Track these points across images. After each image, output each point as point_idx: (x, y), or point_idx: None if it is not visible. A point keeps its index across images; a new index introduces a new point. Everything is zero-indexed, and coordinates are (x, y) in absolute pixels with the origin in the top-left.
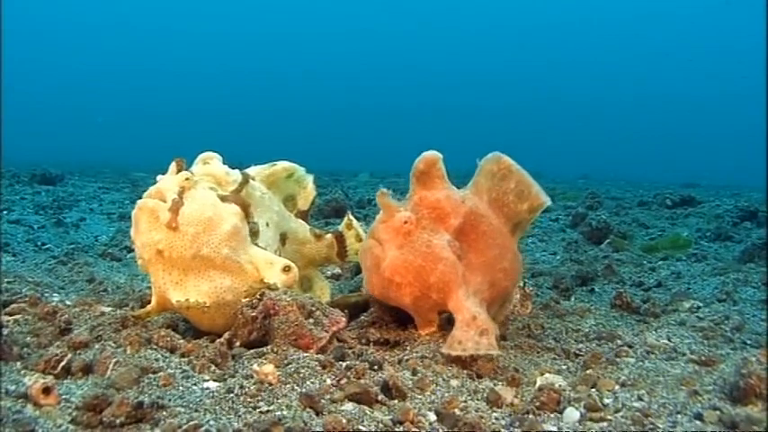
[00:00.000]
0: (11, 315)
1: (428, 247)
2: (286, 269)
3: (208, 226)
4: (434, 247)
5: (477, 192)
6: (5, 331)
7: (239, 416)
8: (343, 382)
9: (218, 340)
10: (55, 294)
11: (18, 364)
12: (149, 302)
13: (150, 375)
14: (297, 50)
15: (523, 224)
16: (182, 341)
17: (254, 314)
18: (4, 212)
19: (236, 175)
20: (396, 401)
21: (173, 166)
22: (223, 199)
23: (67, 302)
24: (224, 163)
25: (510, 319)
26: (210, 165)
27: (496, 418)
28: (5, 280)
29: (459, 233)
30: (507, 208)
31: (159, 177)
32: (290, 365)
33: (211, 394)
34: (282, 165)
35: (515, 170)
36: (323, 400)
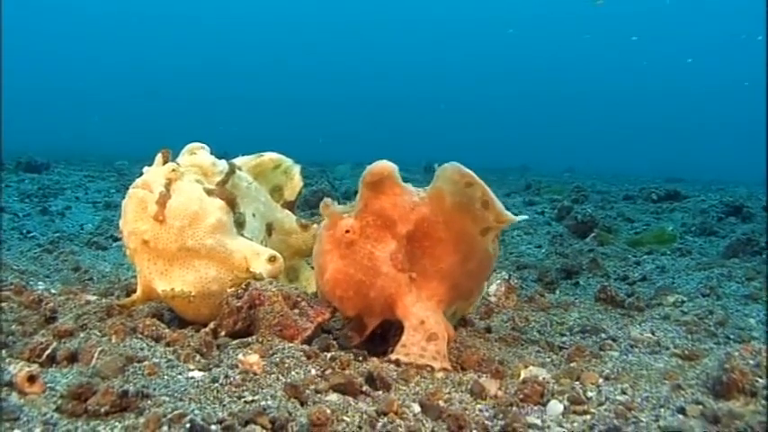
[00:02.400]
0: None
1: (369, 260)
2: (272, 259)
3: (193, 220)
4: (376, 260)
5: (437, 196)
6: None
7: (224, 405)
8: (327, 372)
9: (203, 330)
10: (40, 283)
11: (3, 352)
12: (135, 291)
13: (135, 364)
14: (283, 41)
15: (493, 231)
16: (167, 330)
17: (239, 304)
18: None
19: (222, 165)
20: (380, 392)
21: (159, 158)
22: (209, 192)
23: (53, 291)
24: (211, 153)
25: (495, 311)
26: (197, 155)
27: (480, 410)
28: None
29: (409, 240)
30: (473, 214)
31: (145, 169)
32: (274, 356)
33: (196, 384)
34: (270, 156)
35: (479, 182)
36: (307, 391)
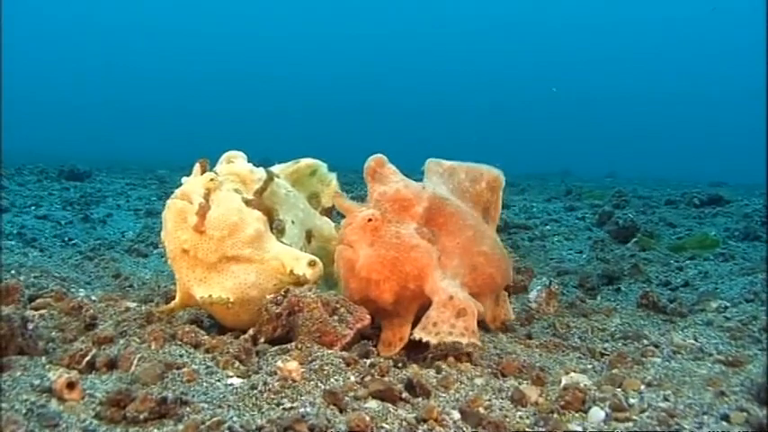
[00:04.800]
0: (37, 310)
1: (398, 238)
2: (311, 264)
3: (233, 230)
4: (404, 237)
5: (434, 185)
6: (31, 326)
7: (263, 412)
8: (367, 379)
9: (242, 336)
10: (81, 290)
11: (43, 358)
12: (174, 298)
13: (174, 371)
14: (323, 49)
15: (492, 211)
16: (206, 337)
17: (278, 311)
18: (32, 208)
19: (260, 173)
20: (420, 399)
21: (197, 168)
22: (247, 203)
23: (93, 298)
24: (248, 161)
25: (535, 317)
26: (235, 163)
27: (521, 417)
28: (32, 275)
29: (426, 219)
30: (469, 193)
31: (184, 179)
32: (313, 362)
33: (235, 390)
34: (306, 162)
35: (458, 165)
36: (347, 398)
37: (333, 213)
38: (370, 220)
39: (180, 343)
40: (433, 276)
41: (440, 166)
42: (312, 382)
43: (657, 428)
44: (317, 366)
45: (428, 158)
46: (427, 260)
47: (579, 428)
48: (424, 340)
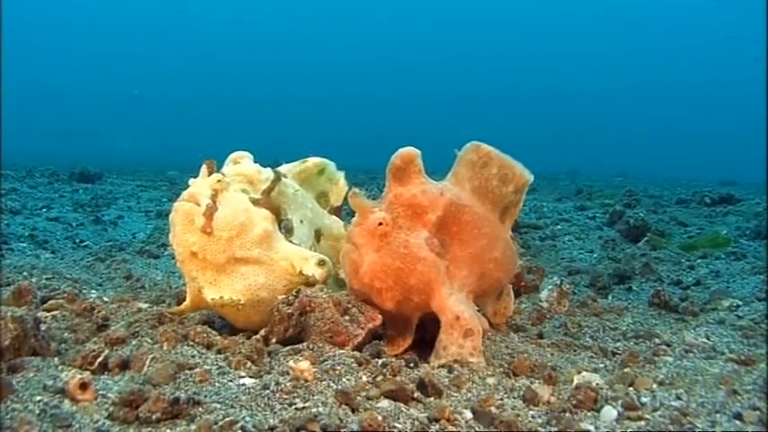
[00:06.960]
0: (49, 311)
1: (406, 248)
2: (320, 263)
3: (241, 231)
4: (412, 247)
5: (458, 182)
6: (43, 327)
7: (275, 412)
8: (378, 379)
9: (254, 337)
10: (92, 291)
11: (55, 359)
12: (185, 300)
13: (186, 371)
14: (332, 47)
15: (512, 208)
16: (218, 338)
17: (289, 311)
18: (44, 210)
19: (267, 173)
20: (432, 399)
21: (204, 169)
22: (254, 203)
23: (105, 299)
24: (255, 161)
25: (547, 317)
26: (242, 164)
27: (533, 417)
28: (44, 277)
29: (439, 227)
30: (492, 194)
31: (191, 181)
32: (325, 362)
33: (247, 390)
34: (313, 161)
35: (495, 156)
36: (359, 397)
37: (342, 212)
38: (380, 224)
39: (192, 344)
40: (439, 293)
41: (476, 153)
42: (324, 382)
43: (670, 427)
44: (328, 366)
45: (471, 141)
46: (434, 275)
47: (591, 427)
48: (436, 365)
